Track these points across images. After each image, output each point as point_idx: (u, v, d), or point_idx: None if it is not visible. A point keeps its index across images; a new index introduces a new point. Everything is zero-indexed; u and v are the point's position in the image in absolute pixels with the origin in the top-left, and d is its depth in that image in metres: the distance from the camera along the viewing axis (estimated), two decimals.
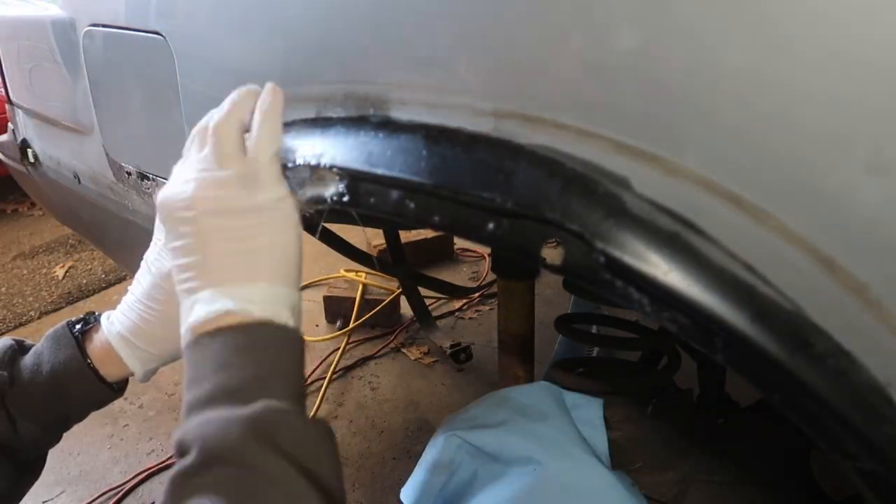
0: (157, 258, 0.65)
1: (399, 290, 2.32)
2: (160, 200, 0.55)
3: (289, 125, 0.70)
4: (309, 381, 2.06)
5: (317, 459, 0.46)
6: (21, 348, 0.68)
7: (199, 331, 0.50)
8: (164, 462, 1.73)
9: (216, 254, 0.51)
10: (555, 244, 0.51)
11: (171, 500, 0.42)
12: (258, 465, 0.42)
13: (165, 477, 0.44)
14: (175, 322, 0.53)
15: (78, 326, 0.68)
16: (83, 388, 0.66)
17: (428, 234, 2.76)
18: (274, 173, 0.56)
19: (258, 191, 0.54)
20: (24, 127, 1.48)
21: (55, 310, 2.67)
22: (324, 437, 0.49)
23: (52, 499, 1.63)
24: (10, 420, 0.63)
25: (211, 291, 0.50)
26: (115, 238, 1.36)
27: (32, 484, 0.69)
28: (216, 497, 0.40)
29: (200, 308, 0.50)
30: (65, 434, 0.70)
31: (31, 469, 0.69)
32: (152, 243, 0.66)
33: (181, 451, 0.44)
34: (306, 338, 2.29)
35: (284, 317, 0.52)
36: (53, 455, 0.70)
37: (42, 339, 0.68)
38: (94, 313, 0.70)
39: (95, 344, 0.67)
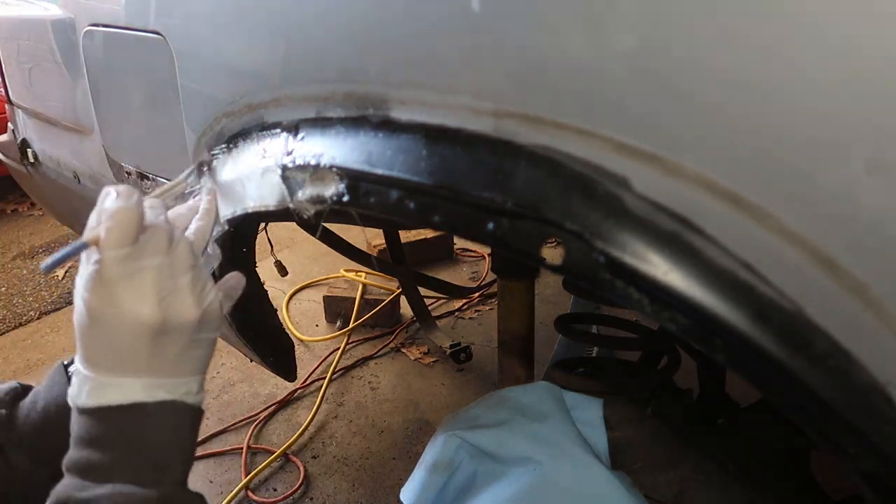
0: None
1: (399, 290, 2.32)
2: None
3: (289, 126, 0.70)
4: (309, 381, 2.06)
5: None
6: (24, 391, 0.71)
7: (103, 404, 0.53)
8: None
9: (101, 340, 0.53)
10: (555, 244, 0.51)
11: None
12: None
13: None
14: None
15: (74, 365, 0.70)
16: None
17: (428, 234, 2.76)
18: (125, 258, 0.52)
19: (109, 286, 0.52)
20: (24, 127, 1.48)
21: (55, 310, 2.68)
22: None
23: None
24: (3, 453, 0.65)
25: (101, 377, 0.53)
26: None
27: None
28: None
29: (103, 388, 0.53)
30: None
31: None
32: None
33: None
34: (306, 338, 2.30)
35: (190, 398, 0.56)
36: None
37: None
38: None
39: None
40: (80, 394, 0.54)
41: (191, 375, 0.56)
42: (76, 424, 0.54)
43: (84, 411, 0.53)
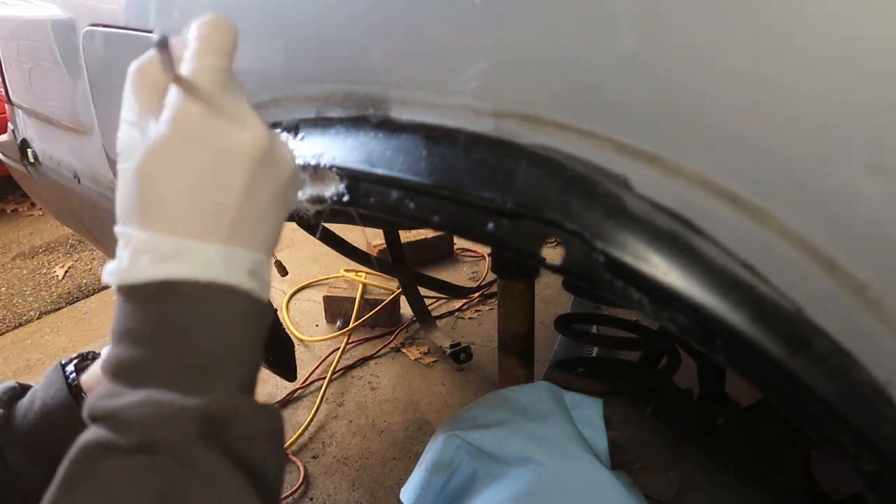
0: None
1: (399, 290, 2.32)
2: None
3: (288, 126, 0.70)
4: (309, 381, 2.06)
5: (264, 457, 0.42)
6: (22, 390, 0.70)
7: (169, 277, 0.41)
8: None
9: (161, 198, 0.42)
10: (555, 244, 0.51)
11: (80, 474, 0.38)
12: (201, 465, 0.38)
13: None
14: None
15: (73, 364, 0.70)
16: (70, 420, 0.67)
17: (428, 234, 2.76)
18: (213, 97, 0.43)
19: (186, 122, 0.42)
20: (24, 127, 1.48)
21: (55, 310, 2.67)
22: (274, 430, 0.44)
23: None
24: (0, 453, 0.65)
25: (171, 240, 0.41)
26: (115, 238, 1.36)
27: None
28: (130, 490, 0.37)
29: (168, 257, 0.41)
30: None
31: None
32: None
33: (105, 420, 0.39)
34: (306, 338, 2.29)
35: (260, 285, 0.44)
36: None
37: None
38: (92, 352, 0.72)
39: (92, 374, 0.68)
40: (133, 265, 0.41)
41: (265, 253, 0.45)
42: (118, 312, 0.42)
43: (133, 290, 0.41)
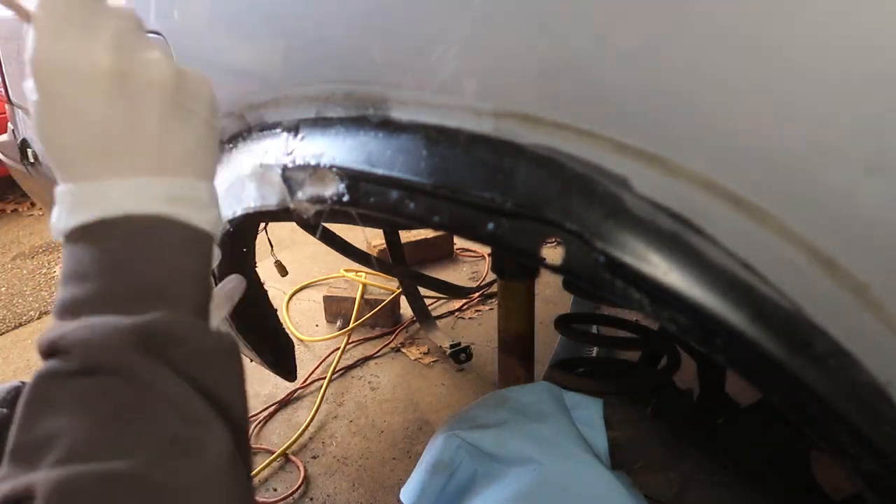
0: None
1: (399, 290, 2.32)
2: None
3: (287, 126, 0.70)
4: (309, 381, 2.06)
5: (217, 379, 0.41)
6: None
7: (83, 221, 0.41)
8: None
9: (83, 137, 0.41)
10: (555, 244, 0.51)
11: (37, 402, 0.38)
12: (150, 380, 0.38)
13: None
14: None
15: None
16: None
17: (428, 234, 2.76)
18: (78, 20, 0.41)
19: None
20: (24, 127, 1.48)
21: None
22: (227, 353, 0.43)
23: None
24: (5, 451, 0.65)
25: (77, 186, 0.42)
26: None
27: None
28: (83, 412, 0.36)
29: (84, 202, 0.41)
30: None
31: None
32: None
33: (52, 353, 0.39)
34: (306, 338, 2.29)
35: (193, 212, 0.44)
36: None
37: None
38: None
39: None
40: (59, 217, 0.42)
41: (190, 176, 0.44)
42: (62, 261, 0.43)
43: (66, 239, 0.42)
